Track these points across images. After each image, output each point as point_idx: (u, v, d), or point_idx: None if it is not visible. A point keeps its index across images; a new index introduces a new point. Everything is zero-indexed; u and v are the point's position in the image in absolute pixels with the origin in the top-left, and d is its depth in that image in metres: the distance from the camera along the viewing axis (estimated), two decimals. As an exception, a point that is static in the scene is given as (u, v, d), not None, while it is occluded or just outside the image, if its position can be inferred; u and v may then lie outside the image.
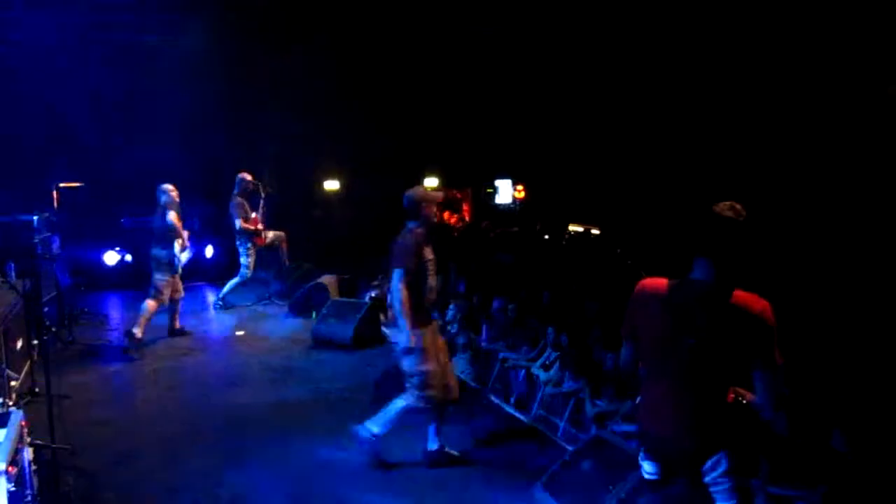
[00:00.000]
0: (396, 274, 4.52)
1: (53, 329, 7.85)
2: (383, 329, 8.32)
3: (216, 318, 9.37)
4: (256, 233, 9.48)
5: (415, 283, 4.58)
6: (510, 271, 9.74)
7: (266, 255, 10.13)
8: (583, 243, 12.50)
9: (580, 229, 12.95)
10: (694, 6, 9.72)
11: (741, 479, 2.77)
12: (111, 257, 10.81)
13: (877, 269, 7.53)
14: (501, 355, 6.57)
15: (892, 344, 5.33)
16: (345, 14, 10.85)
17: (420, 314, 4.64)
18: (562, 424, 5.51)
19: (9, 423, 3.49)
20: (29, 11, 9.62)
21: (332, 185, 14.25)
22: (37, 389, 5.89)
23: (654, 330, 2.85)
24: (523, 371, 6.24)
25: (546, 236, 13.35)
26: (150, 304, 7.58)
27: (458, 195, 15.90)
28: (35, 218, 8.06)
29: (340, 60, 11.81)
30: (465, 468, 4.90)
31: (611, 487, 3.95)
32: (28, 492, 3.51)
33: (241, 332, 8.56)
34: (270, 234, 9.83)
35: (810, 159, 9.35)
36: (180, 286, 8.00)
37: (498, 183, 16.86)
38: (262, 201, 9.58)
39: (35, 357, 6.22)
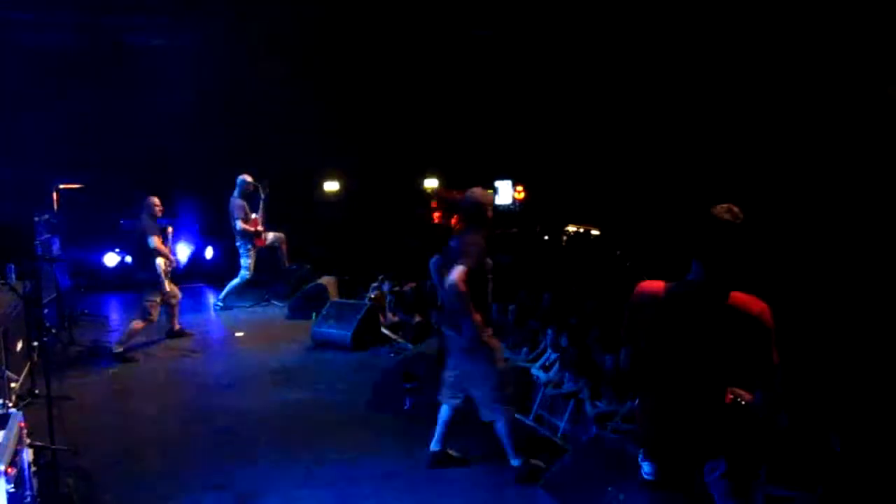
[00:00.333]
0: (458, 271, 4.23)
1: (53, 331, 7.85)
2: (383, 330, 8.33)
3: (216, 319, 9.38)
4: (256, 234, 9.49)
5: (473, 285, 4.33)
6: (509, 272, 9.75)
7: (266, 256, 10.14)
8: (582, 244, 12.52)
9: (580, 230, 12.96)
10: (693, 7, 9.73)
11: (740, 480, 2.77)
12: (111, 259, 10.82)
13: (875, 269, 7.53)
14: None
15: (888, 344, 5.33)
16: (346, 16, 10.87)
17: (483, 314, 4.45)
18: (562, 425, 5.51)
19: (8, 425, 3.50)
20: (28, 12, 9.65)
21: (332, 186, 14.26)
22: (36, 391, 5.89)
23: (652, 332, 2.85)
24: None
25: (546, 237, 13.37)
26: (136, 324, 7.50)
27: (458, 197, 15.90)
28: (35, 219, 8.07)
29: (341, 61, 11.82)
30: (464, 469, 4.90)
31: (610, 488, 3.95)
32: (27, 493, 3.52)
33: (240, 334, 8.56)
34: (270, 236, 9.84)
35: (810, 160, 9.36)
36: (176, 289, 7.98)
37: (498, 184, 16.86)
38: (262, 202, 9.59)
39: (35, 359, 6.21)
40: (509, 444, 4.67)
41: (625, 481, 3.89)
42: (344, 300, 9.06)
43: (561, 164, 13.62)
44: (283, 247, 10.19)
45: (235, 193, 9.37)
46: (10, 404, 4.53)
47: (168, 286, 7.67)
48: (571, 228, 13.05)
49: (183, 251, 11.33)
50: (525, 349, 6.63)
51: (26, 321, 6.07)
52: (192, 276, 11.31)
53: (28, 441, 3.71)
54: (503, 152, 14.47)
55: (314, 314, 8.87)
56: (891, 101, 8.62)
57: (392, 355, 7.56)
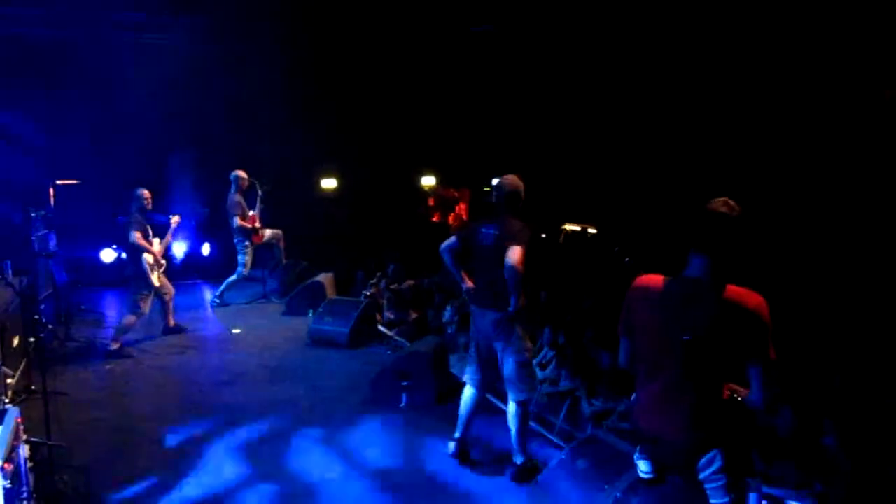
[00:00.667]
0: (517, 252, 4.39)
1: (50, 327, 7.81)
2: (380, 328, 8.34)
3: (213, 315, 9.37)
4: (253, 231, 9.48)
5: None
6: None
7: (263, 253, 10.13)
8: (579, 242, 12.51)
9: (577, 228, 12.96)
10: (691, 5, 9.73)
11: (735, 477, 2.78)
12: (108, 255, 10.79)
13: (873, 269, 7.56)
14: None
15: (886, 344, 5.35)
16: (344, 13, 10.85)
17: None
18: (558, 423, 5.52)
19: (5, 421, 3.50)
20: (26, 9, 9.61)
21: (329, 183, 14.24)
22: (33, 387, 5.89)
23: (649, 326, 2.86)
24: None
25: (542, 235, 13.36)
26: (129, 318, 7.51)
27: (456, 194, 15.89)
28: (32, 215, 8.04)
29: (338, 58, 11.80)
30: (462, 466, 4.91)
31: (606, 486, 3.97)
32: (24, 489, 3.52)
33: (237, 330, 8.55)
34: (267, 233, 9.83)
35: (807, 160, 9.38)
36: (169, 285, 7.97)
37: (495, 182, 16.81)
38: (258, 199, 9.59)
39: (31, 354, 6.20)
40: (518, 438, 4.72)
41: (621, 479, 3.90)
42: (341, 297, 9.06)
43: (559, 162, 13.61)
44: (281, 243, 10.20)
45: (232, 190, 9.37)
46: (7, 400, 4.53)
47: (158, 281, 7.65)
48: (568, 227, 13.05)
49: (179, 248, 11.32)
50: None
51: (23, 317, 6.06)
52: (189, 272, 11.30)
53: (24, 437, 3.71)
54: (501, 150, 14.46)
55: (311, 311, 8.88)
56: (888, 104, 8.64)
57: (389, 352, 7.57)
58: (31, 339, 6.05)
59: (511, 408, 4.70)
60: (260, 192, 9.58)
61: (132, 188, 7.66)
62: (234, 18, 10.20)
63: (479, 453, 5.10)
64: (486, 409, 6.14)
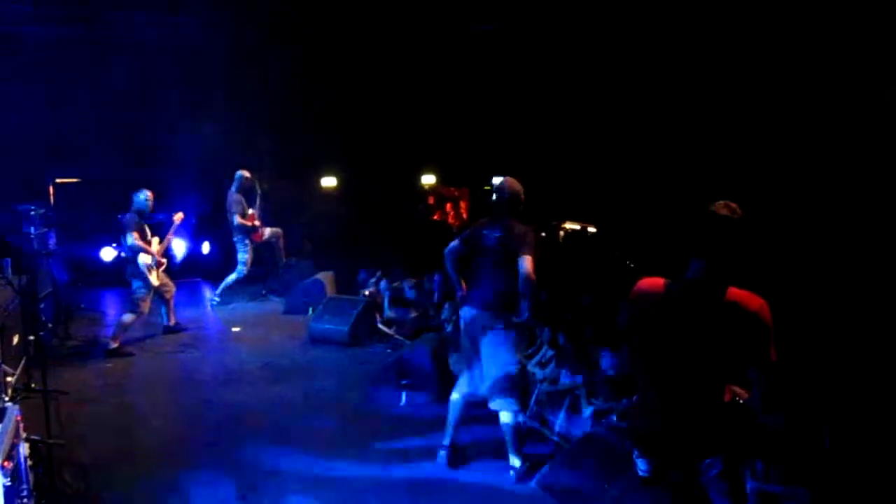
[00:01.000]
0: (529, 261, 4.41)
1: (50, 325, 7.83)
2: (380, 326, 8.33)
3: (212, 314, 9.37)
4: (254, 229, 9.48)
5: None
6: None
7: (263, 251, 10.13)
8: (579, 241, 12.50)
9: (576, 227, 12.95)
10: (690, 5, 9.72)
11: (736, 478, 2.78)
12: (108, 253, 10.77)
13: (873, 270, 7.55)
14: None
15: (885, 343, 5.35)
16: (342, 12, 10.84)
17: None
18: (558, 422, 5.52)
19: (5, 419, 3.50)
20: (25, 3, 9.60)
21: (329, 182, 14.23)
22: (33, 385, 5.87)
23: (651, 329, 2.86)
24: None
25: (542, 234, 13.35)
26: (127, 317, 7.50)
27: (456, 193, 15.88)
28: (31, 214, 8.03)
29: (338, 57, 11.79)
30: (461, 467, 4.91)
31: (606, 485, 3.97)
32: (24, 487, 3.52)
33: (237, 329, 8.56)
34: (267, 231, 9.83)
35: (807, 161, 9.37)
36: (170, 283, 7.97)
37: (495, 180, 16.79)
38: (259, 198, 9.59)
39: (31, 353, 6.20)
40: (513, 443, 4.71)
41: (620, 478, 3.90)
42: (341, 296, 9.06)
43: (558, 161, 13.61)
44: (281, 242, 10.20)
45: (233, 188, 9.37)
46: (7, 398, 4.53)
47: (158, 279, 7.65)
48: (568, 225, 13.04)
49: (179, 246, 11.30)
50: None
51: (22, 316, 6.05)
52: (189, 271, 11.29)
53: (24, 435, 3.71)
54: (501, 149, 14.46)
55: (311, 309, 8.87)
56: (887, 104, 8.63)
57: (388, 351, 7.57)
58: (31, 338, 6.07)
59: (502, 417, 4.69)
60: (260, 191, 9.58)
61: (130, 185, 7.66)
62: (237, 15, 10.20)
63: (478, 453, 5.11)
64: (484, 406, 6.17)
